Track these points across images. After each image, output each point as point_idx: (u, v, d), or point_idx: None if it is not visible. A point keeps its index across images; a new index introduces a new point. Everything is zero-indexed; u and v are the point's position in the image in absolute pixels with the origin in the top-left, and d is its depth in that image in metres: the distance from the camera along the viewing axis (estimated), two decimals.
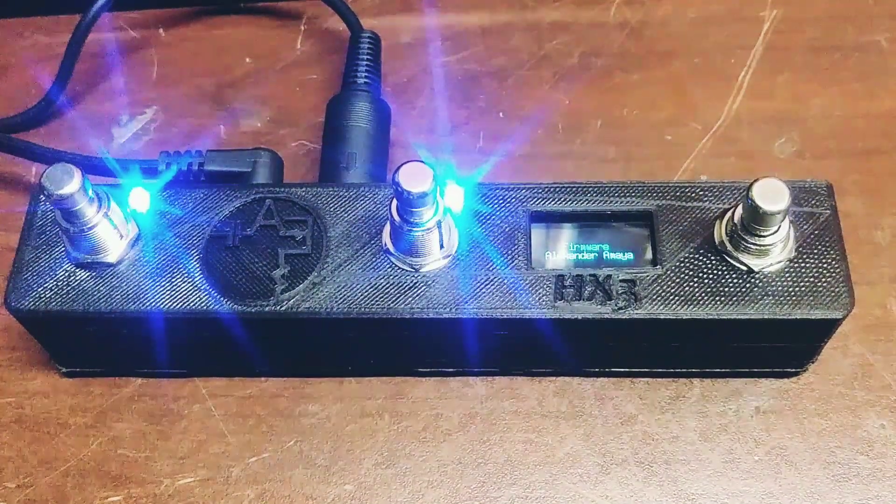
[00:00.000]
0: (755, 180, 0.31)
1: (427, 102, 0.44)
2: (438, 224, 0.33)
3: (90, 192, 0.32)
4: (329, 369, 0.37)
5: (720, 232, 0.34)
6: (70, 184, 0.31)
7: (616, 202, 0.35)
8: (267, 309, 0.33)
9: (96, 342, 0.35)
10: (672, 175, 0.41)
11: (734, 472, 0.35)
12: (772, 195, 0.31)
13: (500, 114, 0.44)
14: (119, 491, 0.35)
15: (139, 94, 0.46)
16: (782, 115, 0.43)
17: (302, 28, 0.48)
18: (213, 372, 0.37)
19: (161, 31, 0.48)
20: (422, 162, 0.31)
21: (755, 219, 0.32)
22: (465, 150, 0.43)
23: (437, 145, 0.43)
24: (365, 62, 0.42)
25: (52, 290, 0.34)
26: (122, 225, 0.34)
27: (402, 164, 0.31)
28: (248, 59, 0.47)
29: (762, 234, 0.32)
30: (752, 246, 0.33)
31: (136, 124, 0.45)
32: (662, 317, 0.33)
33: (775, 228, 0.32)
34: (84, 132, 0.44)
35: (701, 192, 0.35)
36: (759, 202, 0.31)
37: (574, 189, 0.35)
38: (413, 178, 0.31)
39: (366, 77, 0.41)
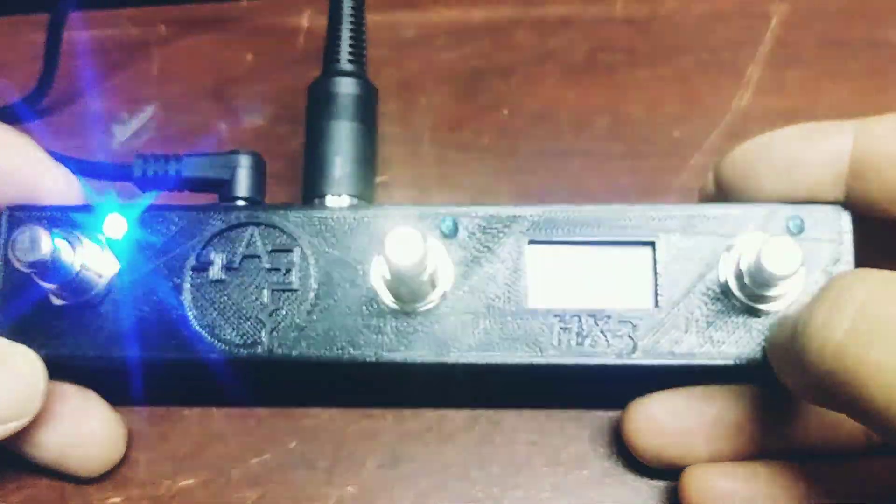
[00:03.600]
0: (764, 242, 0.30)
1: (430, 99, 0.44)
2: (432, 273, 0.31)
3: (60, 244, 0.31)
4: (323, 402, 0.37)
5: (726, 271, 0.32)
6: (39, 248, 0.30)
7: (616, 234, 0.33)
8: (258, 351, 0.32)
9: (85, 379, 0.34)
10: (679, 171, 0.41)
11: None
12: (782, 257, 0.29)
13: (505, 110, 0.44)
14: (119, 492, 0.35)
15: (140, 91, 0.45)
16: (791, 110, 0.42)
17: (304, 25, 0.47)
18: (208, 403, 0.37)
19: (162, 27, 0.48)
20: (406, 228, 0.30)
21: (763, 279, 0.30)
22: (468, 148, 0.42)
23: (440, 142, 0.43)
24: (349, 34, 0.38)
25: (37, 333, 0.33)
26: (99, 264, 0.33)
27: (387, 236, 0.29)
28: (249, 56, 0.46)
29: (771, 290, 0.31)
30: (759, 295, 0.31)
31: (137, 122, 0.44)
32: (664, 363, 0.32)
33: (786, 284, 0.31)
34: (84, 130, 0.44)
35: (706, 220, 0.33)
36: (767, 266, 0.29)
37: (572, 219, 0.33)
38: (401, 250, 0.29)
39: (350, 55, 0.38)
